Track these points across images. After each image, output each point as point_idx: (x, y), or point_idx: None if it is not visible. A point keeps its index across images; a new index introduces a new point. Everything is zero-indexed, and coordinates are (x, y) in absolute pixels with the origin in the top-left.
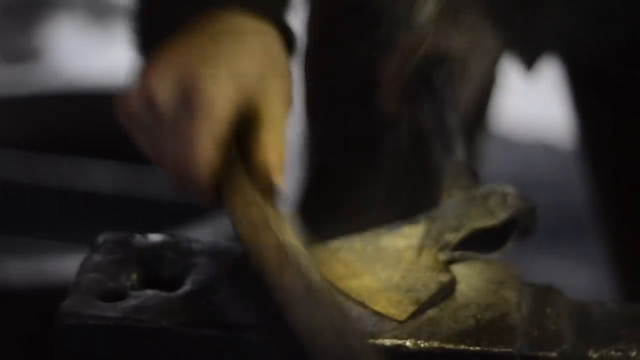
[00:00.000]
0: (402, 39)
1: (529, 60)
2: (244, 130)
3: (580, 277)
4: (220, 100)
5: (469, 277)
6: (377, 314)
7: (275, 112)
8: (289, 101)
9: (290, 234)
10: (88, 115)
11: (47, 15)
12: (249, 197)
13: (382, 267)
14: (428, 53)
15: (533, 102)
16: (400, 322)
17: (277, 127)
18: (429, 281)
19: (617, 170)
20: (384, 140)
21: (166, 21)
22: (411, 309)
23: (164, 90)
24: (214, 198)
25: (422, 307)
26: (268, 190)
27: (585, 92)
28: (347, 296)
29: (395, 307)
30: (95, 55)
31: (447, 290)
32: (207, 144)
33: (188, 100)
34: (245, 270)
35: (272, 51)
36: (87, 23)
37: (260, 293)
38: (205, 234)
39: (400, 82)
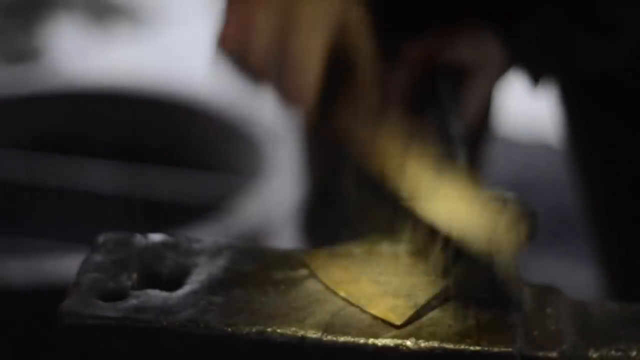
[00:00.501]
0: (408, 51)
1: (536, 75)
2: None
3: (580, 277)
4: (321, 18)
5: (470, 277)
6: (375, 318)
7: (365, 42)
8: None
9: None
10: (88, 115)
11: (47, 15)
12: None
13: (380, 272)
14: (434, 65)
15: (533, 102)
16: (398, 327)
17: (369, 56)
18: (427, 286)
19: (606, 171)
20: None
21: None
22: (408, 313)
23: (264, 17)
24: (318, 116)
25: (419, 312)
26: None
27: (574, 93)
28: (346, 301)
29: (393, 312)
30: (95, 55)
31: (446, 294)
32: (314, 52)
33: (290, 19)
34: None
35: None
36: (87, 23)
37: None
38: (205, 234)
39: (406, 95)
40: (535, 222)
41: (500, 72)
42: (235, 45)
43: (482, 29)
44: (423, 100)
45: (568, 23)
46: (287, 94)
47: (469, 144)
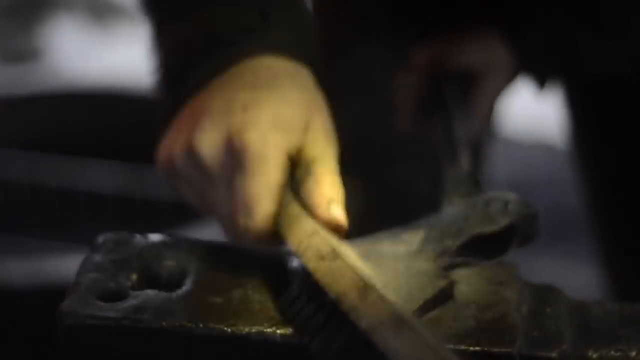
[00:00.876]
0: (417, 56)
1: (543, 78)
2: (298, 172)
3: (580, 277)
4: (271, 155)
5: (469, 277)
6: None
7: (325, 151)
8: (332, 136)
9: (357, 260)
10: (88, 115)
11: (47, 15)
12: (311, 228)
13: (380, 272)
14: (442, 70)
15: (533, 102)
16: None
17: (329, 165)
18: (427, 286)
19: (607, 171)
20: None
21: (198, 69)
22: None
23: (209, 146)
24: (271, 240)
25: (418, 312)
26: (328, 225)
27: (576, 94)
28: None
29: None
30: (95, 55)
31: (445, 295)
32: (264, 197)
33: (237, 157)
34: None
35: (309, 91)
36: (87, 23)
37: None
38: (205, 234)
39: (415, 99)
40: (537, 222)
41: (508, 76)
42: (177, 166)
43: (489, 34)
44: (431, 104)
45: (573, 26)
46: (237, 220)
47: (473, 146)
